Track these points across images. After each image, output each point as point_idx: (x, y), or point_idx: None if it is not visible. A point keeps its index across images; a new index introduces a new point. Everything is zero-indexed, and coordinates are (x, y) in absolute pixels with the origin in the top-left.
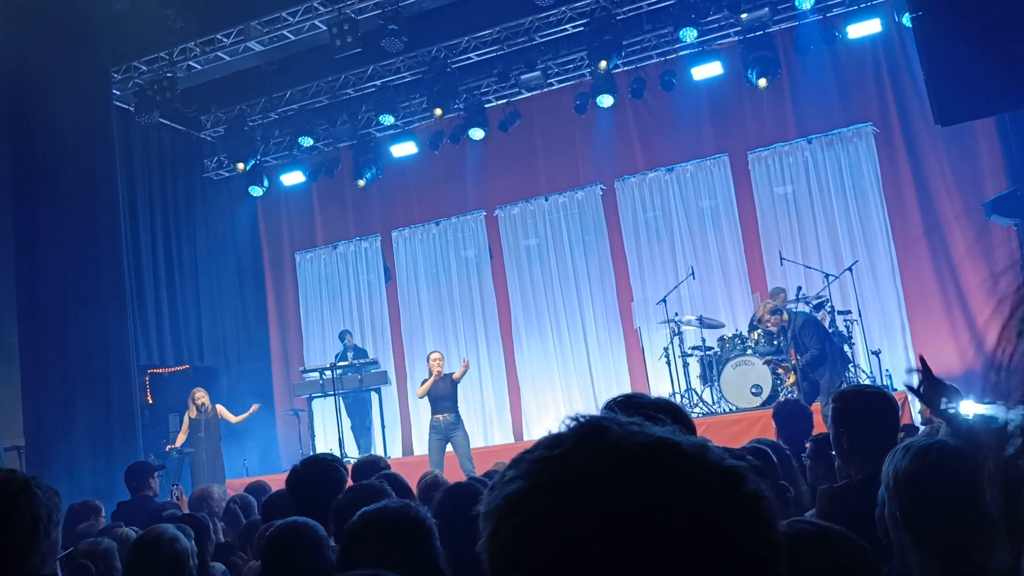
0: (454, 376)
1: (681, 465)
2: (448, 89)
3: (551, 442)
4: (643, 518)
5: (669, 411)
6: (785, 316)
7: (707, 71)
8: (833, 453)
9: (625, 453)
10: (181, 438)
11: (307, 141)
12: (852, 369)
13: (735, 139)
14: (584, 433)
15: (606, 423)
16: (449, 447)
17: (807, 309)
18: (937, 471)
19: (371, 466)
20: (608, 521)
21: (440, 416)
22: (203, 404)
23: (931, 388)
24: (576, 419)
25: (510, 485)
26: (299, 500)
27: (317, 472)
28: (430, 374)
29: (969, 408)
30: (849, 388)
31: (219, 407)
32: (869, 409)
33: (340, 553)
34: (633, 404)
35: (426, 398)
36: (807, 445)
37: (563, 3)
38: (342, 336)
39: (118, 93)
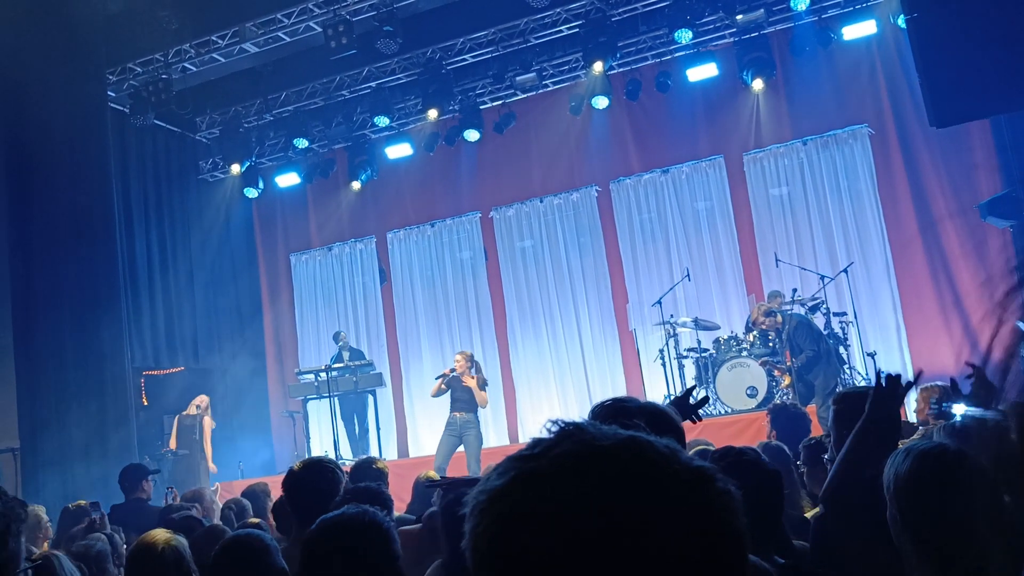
0: (466, 382)
1: (652, 458)
2: (443, 90)
3: (532, 444)
4: (616, 505)
5: (655, 415)
6: (779, 318)
7: (702, 72)
8: (826, 457)
9: (600, 448)
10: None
11: (302, 143)
12: (847, 371)
13: (730, 140)
14: (562, 434)
15: (583, 425)
16: (461, 448)
17: (803, 311)
18: (936, 475)
19: (368, 468)
20: (583, 507)
21: (457, 414)
22: (198, 408)
23: (984, 391)
24: (556, 423)
25: (492, 482)
26: (296, 502)
27: (314, 474)
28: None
29: (961, 409)
30: (851, 390)
31: (206, 419)
32: None
33: (301, 560)
34: (620, 409)
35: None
36: (800, 451)
37: (558, 4)
38: (335, 337)
39: (113, 95)
